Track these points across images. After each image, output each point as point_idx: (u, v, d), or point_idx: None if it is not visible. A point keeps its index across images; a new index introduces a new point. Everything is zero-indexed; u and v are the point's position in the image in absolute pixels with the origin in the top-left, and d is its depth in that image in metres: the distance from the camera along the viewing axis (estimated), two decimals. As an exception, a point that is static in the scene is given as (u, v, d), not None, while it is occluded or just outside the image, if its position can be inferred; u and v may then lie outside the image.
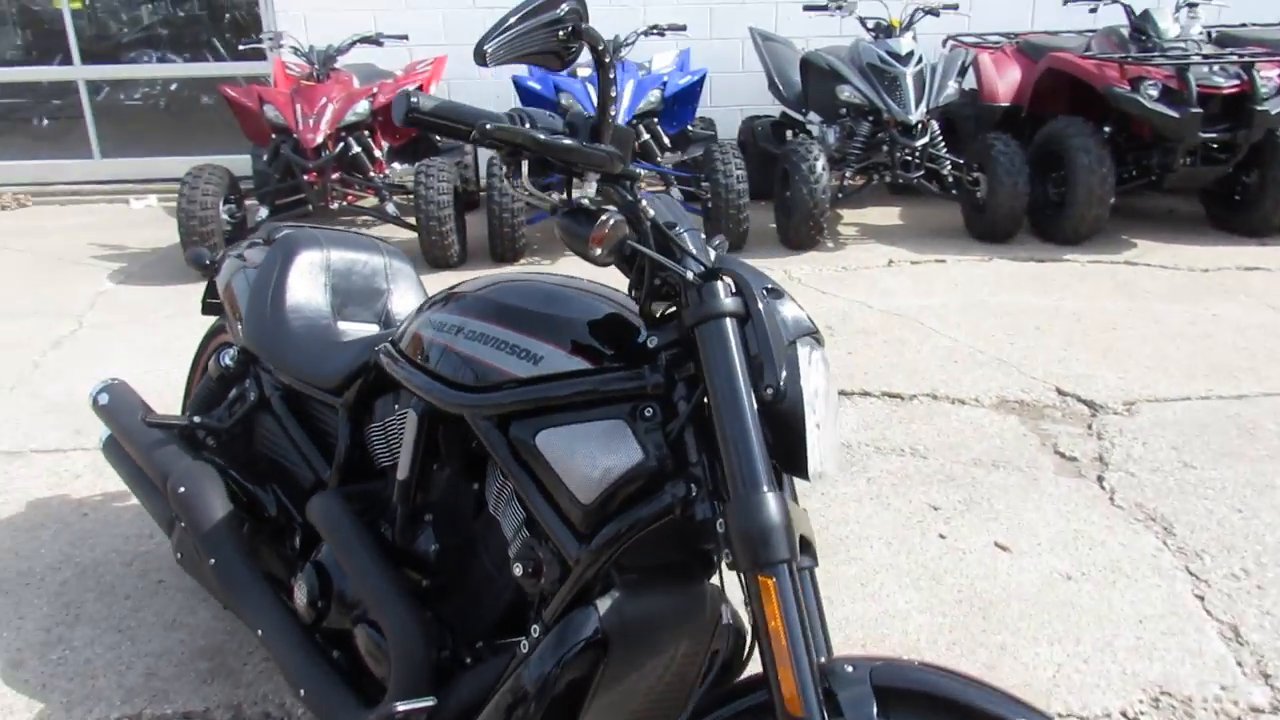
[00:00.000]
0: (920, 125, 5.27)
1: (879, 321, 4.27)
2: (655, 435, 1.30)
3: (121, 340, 4.20)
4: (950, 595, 2.40)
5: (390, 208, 5.20)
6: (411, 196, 4.90)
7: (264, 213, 5.15)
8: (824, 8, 5.60)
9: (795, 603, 1.15)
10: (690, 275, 1.26)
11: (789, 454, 1.25)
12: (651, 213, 1.29)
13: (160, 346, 4.10)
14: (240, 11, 7.65)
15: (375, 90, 5.26)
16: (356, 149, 5.14)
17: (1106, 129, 5.34)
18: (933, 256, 5.21)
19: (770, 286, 1.31)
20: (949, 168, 5.41)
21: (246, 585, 1.83)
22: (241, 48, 6.00)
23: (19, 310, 4.61)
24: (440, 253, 4.92)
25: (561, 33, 1.20)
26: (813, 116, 6.03)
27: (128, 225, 6.13)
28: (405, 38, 5.69)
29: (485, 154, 5.65)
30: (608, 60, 1.25)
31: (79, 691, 2.12)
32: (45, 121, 8.25)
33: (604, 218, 1.24)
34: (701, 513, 1.26)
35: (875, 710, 1.13)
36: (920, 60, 5.36)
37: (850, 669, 1.18)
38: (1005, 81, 6.06)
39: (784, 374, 1.24)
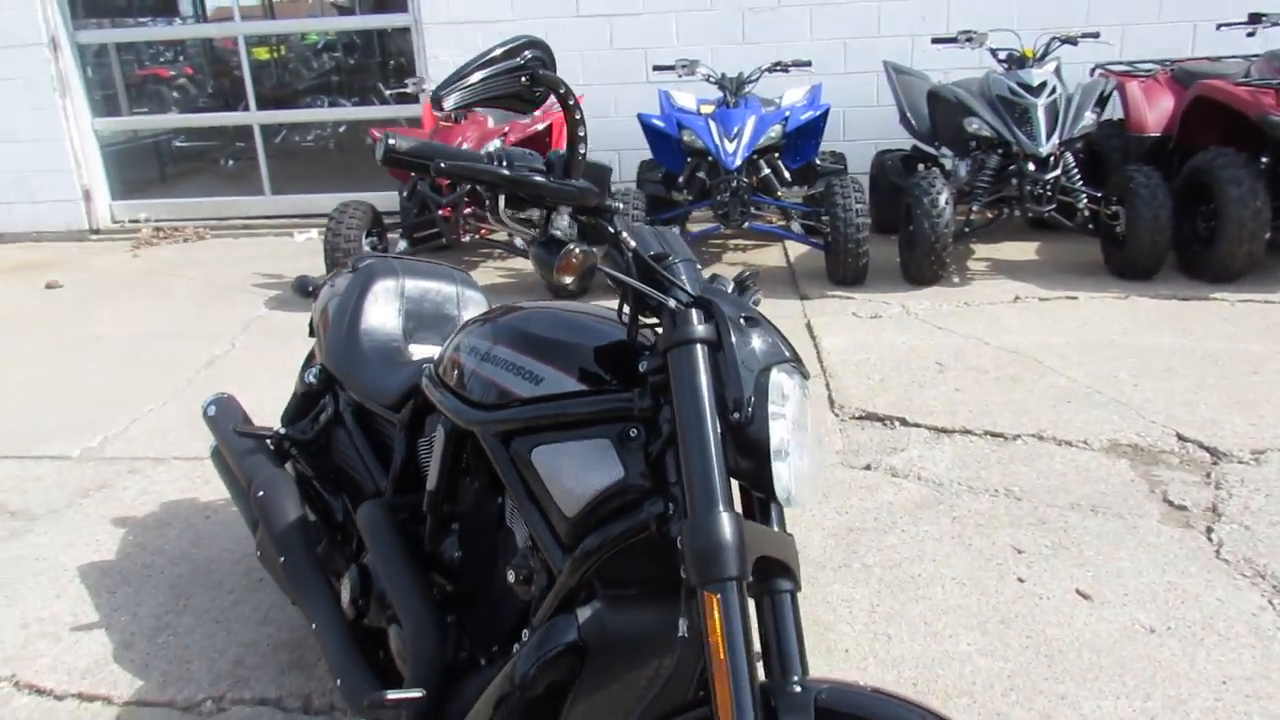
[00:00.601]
0: (1052, 158, 5.08)
1: (993, 359, 4.13)
2: (638, 455, 1.36)
3: (265, 360, 4.56)
4: (1018, 640, 2.32)
5: (519, 242, 5.43)
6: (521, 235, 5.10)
7: (403, 245, 5.50)
8: (953, 40, 5.51)
9: (740, 620, 1.17)
10: (672, 303, 1.32)
11: (756, 477, 1.28)
12: (633, 244, 1.35)
13: (294, 367, 4.44)
14: (403, 58, 8.19)
15: (506, 130, 5.52)
16: (487, 185, 5.40)
17: (1264, 160, 5.00)
18: (1064, 293, 5.00)
19: (749, 316, 1.35)
20: (1084, 201, 5.19)
21: (309, 583, 1.99)
22: (389, 93, 6.42)
23: (184, 332, 5.08)
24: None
25: (524, 78, 1.29)
26: (945, 150, 5.91)
27: (289, 256, 6.64)
28: (538, 79, 5.95)
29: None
30: (571, 103, 1.33)
31: (174, 673, 2.34)
32: (230, 163, 9.07)
33: (569, 248, 1.31)
34: (675, 530, 1.30)
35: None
36: (1054, 91, 5.18)
37: (798, 689, 1.20)
38: (1155, 111, 5.76)
39: (752, 399, 1.27)
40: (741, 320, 1.33)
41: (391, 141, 1.29)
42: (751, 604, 1.28)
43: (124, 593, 2.69)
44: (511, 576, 1.48)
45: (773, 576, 1.35)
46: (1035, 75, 5.23)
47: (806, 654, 1.40)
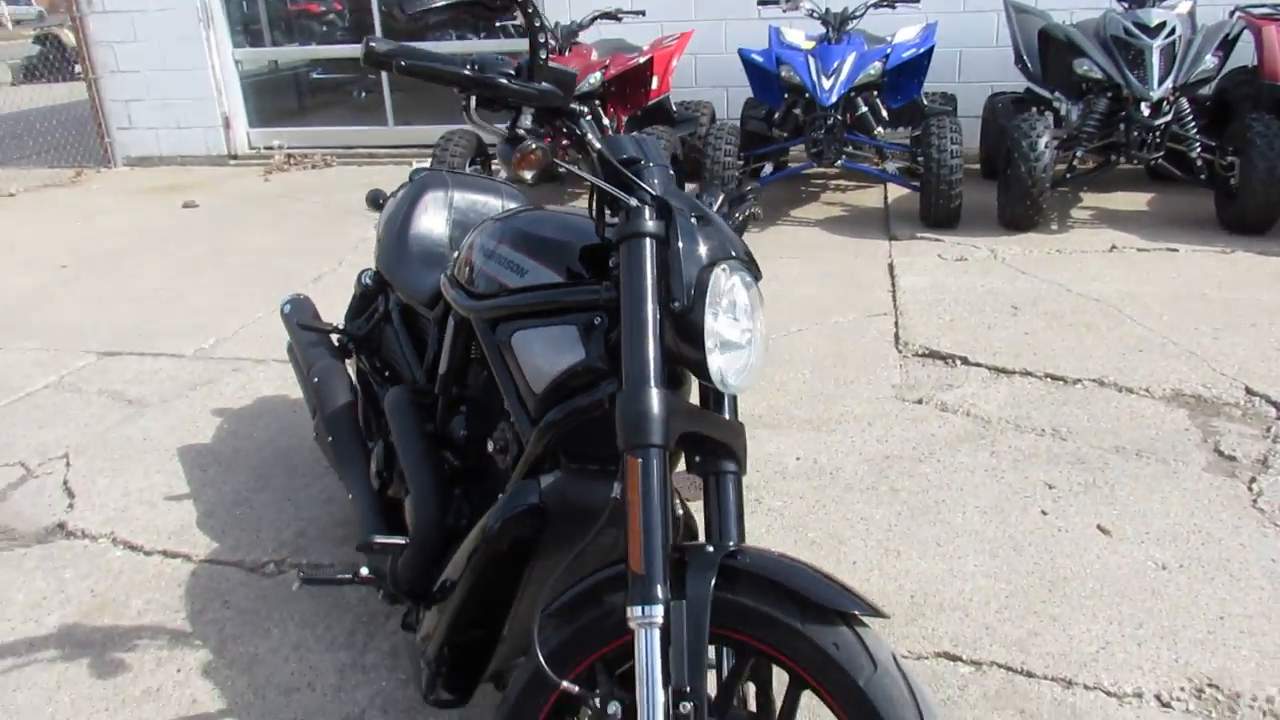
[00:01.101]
0: (1165, 103, 4.86)
1: (1072, 305, 4.06)
2: (600, 340, 1.50)
3: (367, 278, 4.88)
4: (1025, 566, 2.37)
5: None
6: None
7: (503, 175, 5.71)
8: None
9: (658, 484, 1.31)
10: (633, 202, 1.45)
11: (694, 362, 1.41)
12: (598, 145, 1.48)
13: (392, 284, 4.74)
14: (525, -6, 8.34)
15: (607, 63, 5.63)
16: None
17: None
18: (1164, 245, 4.81)
19: (702, 216, 1.46)
20: (1198, 150, 4.96)
21: (349, 459, 2.22)
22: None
23: (300, 250, 5.45)
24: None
25: None
26: (1057, 94, 5.71)
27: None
28: (642, 13, 6.04)
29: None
30: (530, 11, 1.45)
31: (246, 539, 2.64)
32: (362, 94, 9.47)
33: (525, 144, 1.44)
34: None
35: (712, 586, 1.28)
36: (1173, 32, 4.93)
37: (710, 550, 1.33)
38: (1292, 56, 5.40)
39: (693, 291, 1.39)
40: (693, 219, 1.45)
41: (371, 44, 1.44)
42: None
43: (213, 471, 3.01)
44: (491, 446, 1.65)
45: (719, 458, 1.48)
46: (1154, 15, 4.99)
47: (745, 530, 1.53)
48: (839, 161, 5.41)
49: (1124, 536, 2.47)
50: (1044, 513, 2.60)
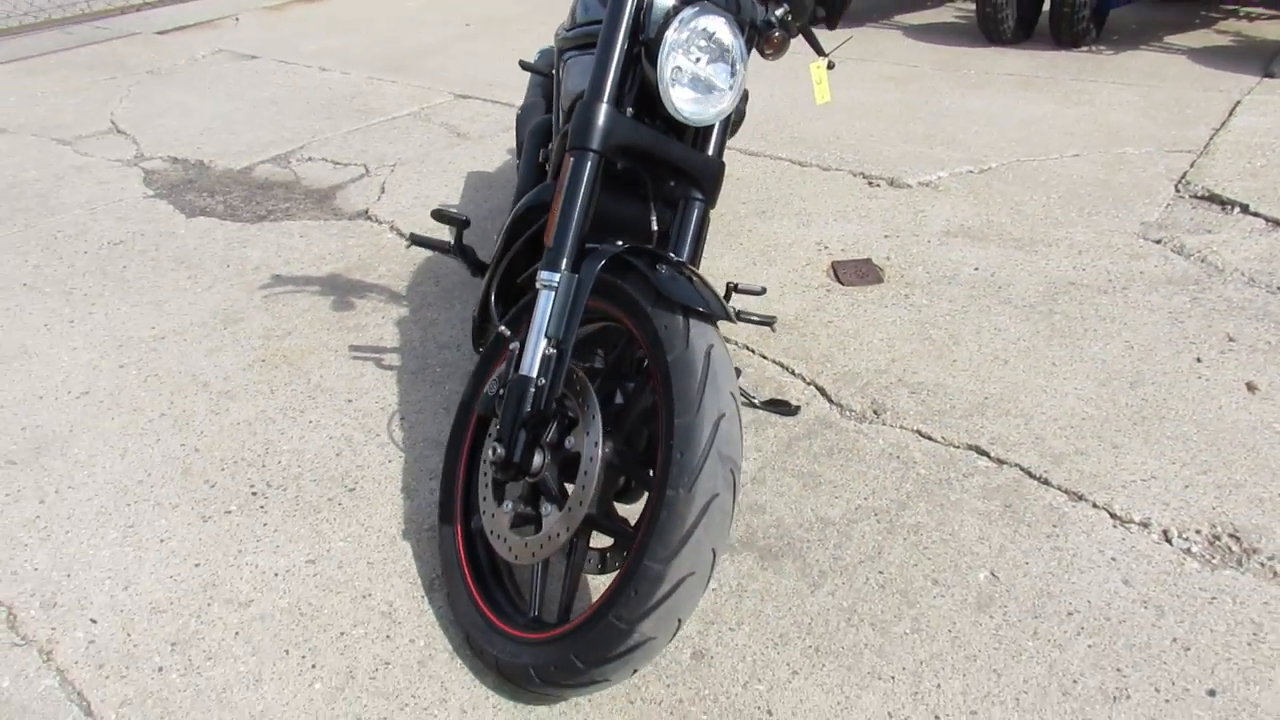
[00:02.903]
0: None
1: None
2: None
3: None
4: (1130, 400, 2.28)
5: None
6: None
7: (853, -30, 5.64)
8: None
9: (584, 184, 1.59)
10: None
11: (657, 91, 1.63)
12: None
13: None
14: None
15: None
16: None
17: None
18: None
19: None
20: None
21: (525, 167, 2.67)
22: None
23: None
24: (993, 27, 4.95)
25: None
26: None
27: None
28: None
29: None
30: None
31: (477, 243, 3.25)
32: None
33: None
34: None
35: (598, 268, 1.56)
36: None
37: (616, 246, 1.60)
38: None
39: (660, 26, 1.60)
40: (685, -34, 1.62)
41: None
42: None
43: (486, 194, 3.65)
44: (540, 157, 2.01)
45: (688, 187, 1.72)
46: None
47: (701, 255, 1.78)
48: None
49: (1267, 396, 2.26)
50: (1198, 360, 2.42)
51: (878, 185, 3.53)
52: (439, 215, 2.14)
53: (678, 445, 1.41)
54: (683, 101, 1.64)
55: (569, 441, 1.59)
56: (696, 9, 1.61)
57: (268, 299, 2.92)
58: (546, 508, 1.58)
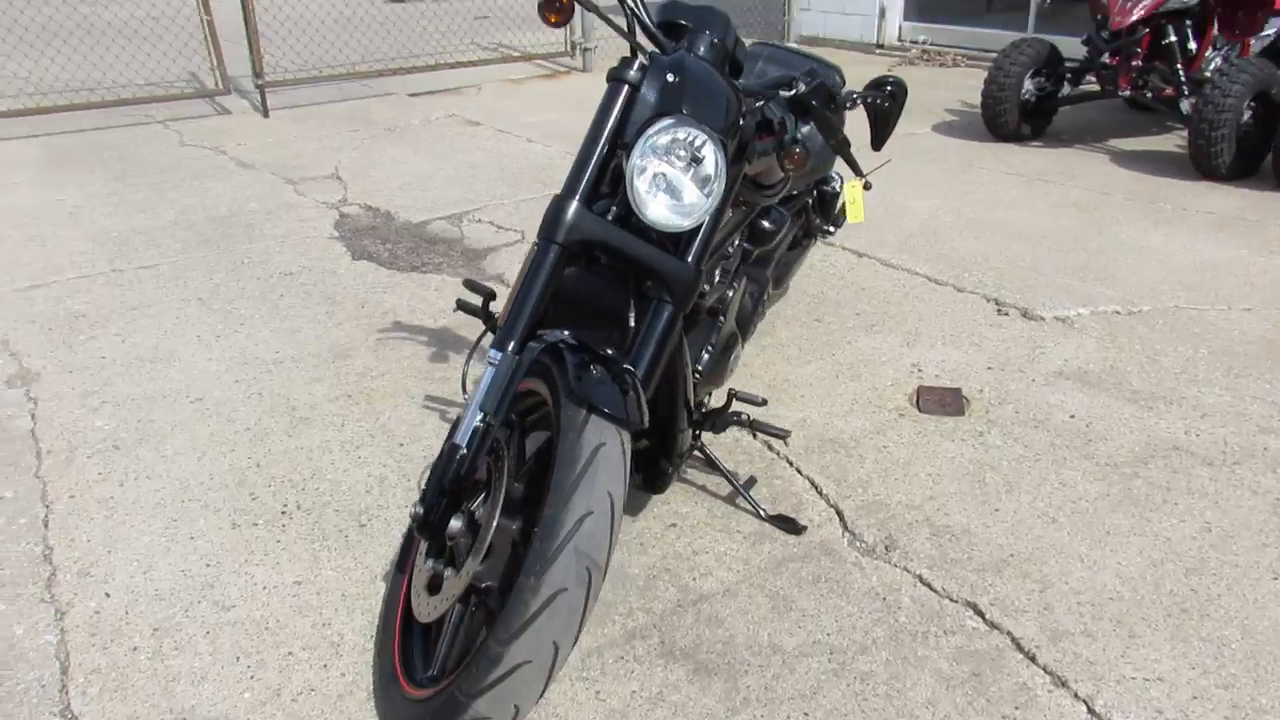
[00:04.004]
0: None
1: None
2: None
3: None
4: (1181, 588, 2.05)
5: (1185, 106, 4.92)
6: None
7: (1066, 89, 5.42)
8: None
9: (539, 272, 1.68)
10: (638, 56, 1.75)
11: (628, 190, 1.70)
12: (630, 2, 1.77)
13: (948, 185, 4.99)
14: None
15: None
16: (1172, 38, 4.94)
17: None
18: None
19: (683, 75, 1.70)
20: None
21: None
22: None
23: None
24: (1205, 159, 4.61)
25: None
26: None
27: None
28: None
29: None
30: None
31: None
32: (1046, 2, 9.17)
33: None
34: None
35: (537, 353, 1.64)
36: None
37: (559, 336, 1.67)
38: None
39: (635, 132, 1.68)
40: (668, 76, 1.70)
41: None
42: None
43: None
44: None
45: (661, 289, 1.77)
46: None
47: (664, 358, 1.81)
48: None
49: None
50: None
51: (1007, 314, 3.36)
52: (470, 284, 2.30)
53: (539, 534, 1.45)
54: (650, 207, 1.69)
55: (478, 513, 1.66)
56: (672, 120, 1.67)
57: (379, 341, 3.19)
58: (448, 571, 1.65)
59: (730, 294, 2.27)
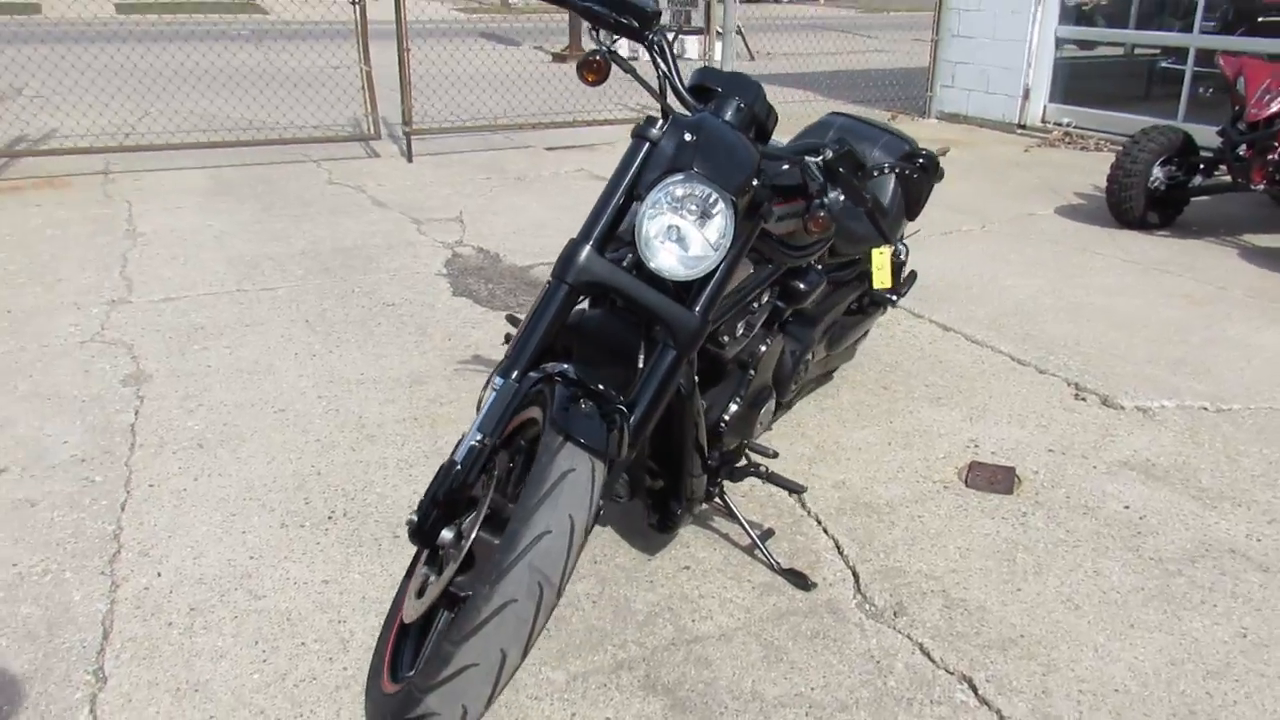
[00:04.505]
0: None
1: None
2: None
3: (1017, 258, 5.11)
4: (1196, 692, 1.96)
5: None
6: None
7: (1197, 180, 5.22)
8: None
9: (548, 308, 1.79)
10: (675, 107, 1.87)
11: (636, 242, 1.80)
12: (662, 65, 1.89)
13: (1043, 262, 4.91)
14: None
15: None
16: (1312, 133, 4.70)
17: None
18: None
19: (701, 136, 1.79)
20: None
21: None
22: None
23: (964, 209, 5.84)
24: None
25: None
26: None
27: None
28: None
29: None
30: None
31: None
32: (1209, 91, 8.82)
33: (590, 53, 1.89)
34: None
35: (531, 386, 1.74)
36: None
37: (555, 370, 1.77)
38: None
39: (646, 189, 1.79)
40: (686, 136, 1.80)
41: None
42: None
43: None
44: None
45: (667, 334, 1.86)
46: None
47: (663, 403, 1.88)
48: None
49: None
50: None
51: (1084, 399, 3.27)
52: (511, 319, 2.43)
53: (499, 546, 1.54)
54: (655, 256, 1.79)
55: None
56: (682, 176, 1.77)
57: (456, 372, 3.38)
58: (433, 577, 1.76)
59: (763, 349, 2.33)
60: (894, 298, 3.00)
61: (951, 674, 1.99)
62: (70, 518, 2.48)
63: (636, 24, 1.90)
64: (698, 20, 14.42)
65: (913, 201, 2.35)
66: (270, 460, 2.78)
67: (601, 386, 1.76)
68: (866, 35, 17.77)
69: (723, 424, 2.28)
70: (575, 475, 1.60)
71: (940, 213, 5.61)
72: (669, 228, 1.78)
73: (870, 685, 1.95)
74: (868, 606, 2.20)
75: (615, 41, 1.94)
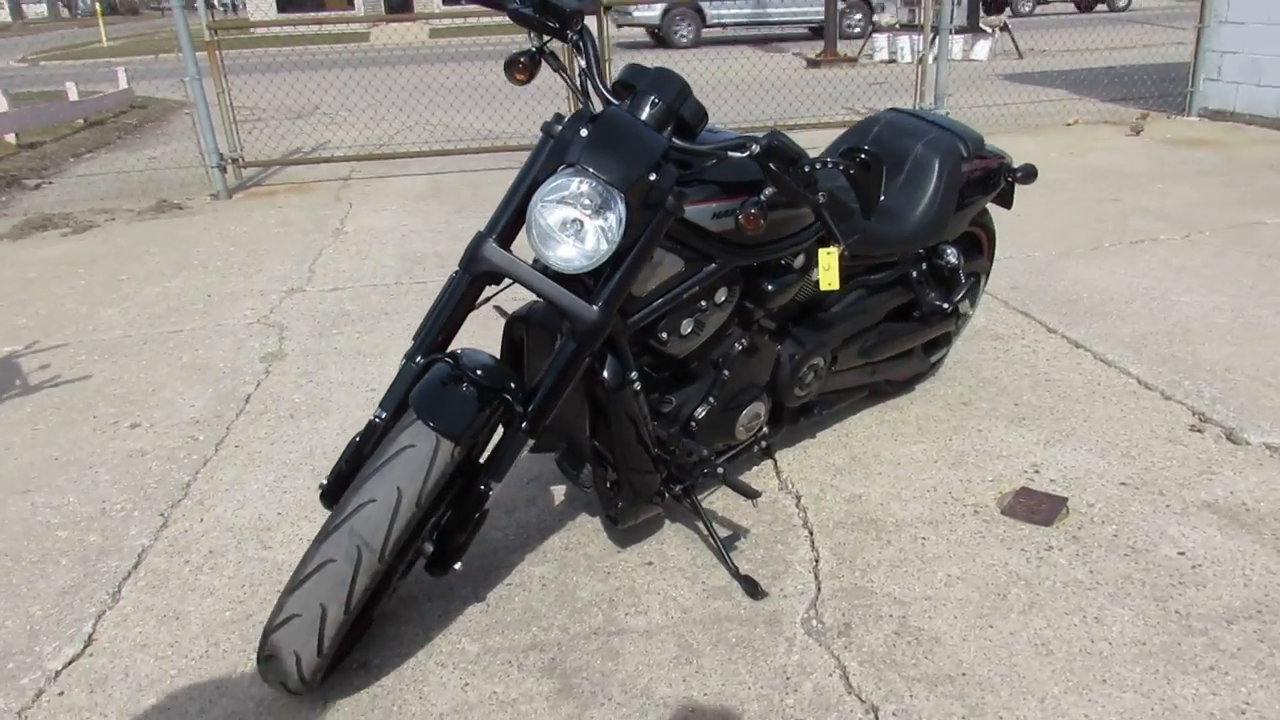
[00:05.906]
0: None
1: None
2: None
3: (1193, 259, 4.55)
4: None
5: None
6: None
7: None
8: None
9: (446, 295, 1.90)
10: (594, 99, 1.91)
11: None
12: (581, 62, 1.92)
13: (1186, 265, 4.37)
14: None
15: None
16: None
17: None
18: None
19: (605, 133, 1.82)
20: None
21: None
22: None
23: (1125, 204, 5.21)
24: None
25: None
26: None
27: None
28: None
29: None
30: None
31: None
32: None
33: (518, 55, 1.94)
34: None
35: (420, 365, 1.85)
36: None
37: (440, 360, 1.87)
38: None
39: (543, 180, 1.84)
40: (583, 131, 1.83)
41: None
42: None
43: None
44: None
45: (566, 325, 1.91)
46: None
47: (560, 396, 1.92)
48: None
49: None
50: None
51: (1201, 431, 2.87)
52: (499, 310, 2.53)
53: (335, 511, 1.67)
54: (543, 248, 1.83)
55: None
56: (571, 171, 1.80)
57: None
58: None
59: (737, 349, 2.28)
60: (945, 305, 2.80)
61: (863, 702, 1.86)
62: (163, 468, 2.90)
63: (557, 24, 1.96)
64: (984, 22, 13.80)
65: (862, 199, 2.21)
66: (340, 432, 3.08)
67: (479, 373, 1.84)
68: (1175, 27, 16.11)
69: (693, 424, 2.27)
70: (413, 451, 1.70)
71: (1141, 220, 5.07)
72: (568, 221, 1.82)
73: (765, 700, 1.87)
74: (813, 623, 2.10)
75: (548, 41, 2.01)
